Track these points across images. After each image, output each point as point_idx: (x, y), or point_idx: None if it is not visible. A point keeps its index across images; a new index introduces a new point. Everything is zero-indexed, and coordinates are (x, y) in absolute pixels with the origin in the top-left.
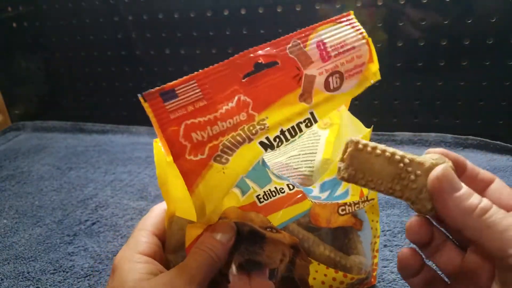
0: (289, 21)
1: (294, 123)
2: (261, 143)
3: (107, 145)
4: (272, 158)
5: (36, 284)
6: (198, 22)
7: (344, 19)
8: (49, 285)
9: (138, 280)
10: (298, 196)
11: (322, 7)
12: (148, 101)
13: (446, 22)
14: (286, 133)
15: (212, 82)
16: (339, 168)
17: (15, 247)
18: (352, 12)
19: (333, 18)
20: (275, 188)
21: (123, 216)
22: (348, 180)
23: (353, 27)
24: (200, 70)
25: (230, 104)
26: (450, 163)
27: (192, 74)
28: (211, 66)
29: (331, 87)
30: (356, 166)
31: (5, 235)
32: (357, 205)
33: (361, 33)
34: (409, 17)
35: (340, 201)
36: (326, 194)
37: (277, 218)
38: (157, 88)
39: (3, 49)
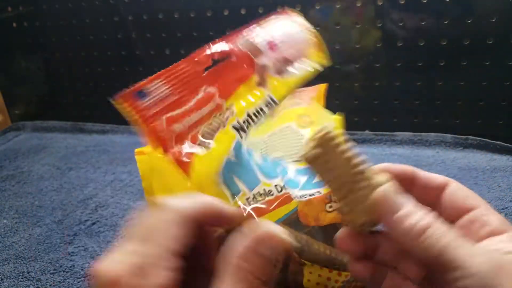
0: None
1: (257, 106)
2: (234, 127)
3: (107, 145)
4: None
5: (36, 284)
6: (198, 22)
7: (287, 15)
8: (49, 285)
9: None
10: (285, 196)
11: (322, 7)
12: (126, 101)
13: (446, 22)
14: (252, 116)
15: (176, 79)
16: (305, 148)
17: (15, 247)
18: (289, 9)
19: (276, 14)
20: (264, 190)
21: (123, 216)
22: (310, 160)
23: (296, 22)
24: (162, 70)
25: (197, 97)
26: (391, 182)
27: (156, 74)
28: (172, 65)
29: (283, 72)
30: (322, 151)
31: (5, 235)
32: None
33: (305, 26)
34: (409, 17)
35: (321, 190)
36: (303, 179)
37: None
38: (129, 89)
39: (3, 49)
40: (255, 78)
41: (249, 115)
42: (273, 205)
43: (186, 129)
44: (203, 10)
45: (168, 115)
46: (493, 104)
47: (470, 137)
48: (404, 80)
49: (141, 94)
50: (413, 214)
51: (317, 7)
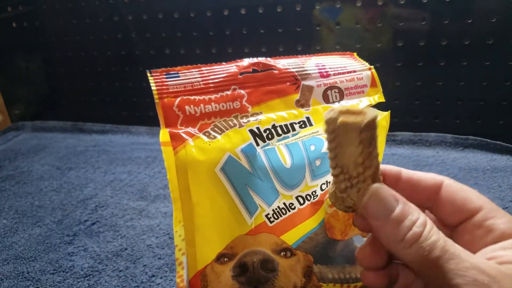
0: (289, 21)
1: (288, 122)
2: (251, 131)
3: (107, 145)
4: None
5: (36, 284)
6: (198, 22)
7: (347, 55)
8: (49, 285)
9: None
10: (309, 208)
11: (322, 7)
12: (153, 76)
13: (446, 22)
14: (278, 129)
15: (210, 73)
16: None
17: (15, 247)
18: (355, 53)
19: (335, 52)
20: (284, 204)
21: (123, 216)
22: (328, 122)
23: (355, 59)
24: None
25: (225, 92)
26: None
27: (196, 65)
28: (213, 63)
29: (330, 100)
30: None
31: (4, 235)
32: None
33: (363, 64)
34: (409, 17)
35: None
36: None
37: (292, 237)
38: (164, 69)
39: (3, 49)
40: (297, 97)
41: (274, 127)
42: (298, 220)
43: (198, 114)
44: (203, 10)
45: (186, 97)
46: (493, 104)
47: (470, 137)
48: (404, 80)
49: (172, 75)
50: (406, 220)
51: (317, 7)
